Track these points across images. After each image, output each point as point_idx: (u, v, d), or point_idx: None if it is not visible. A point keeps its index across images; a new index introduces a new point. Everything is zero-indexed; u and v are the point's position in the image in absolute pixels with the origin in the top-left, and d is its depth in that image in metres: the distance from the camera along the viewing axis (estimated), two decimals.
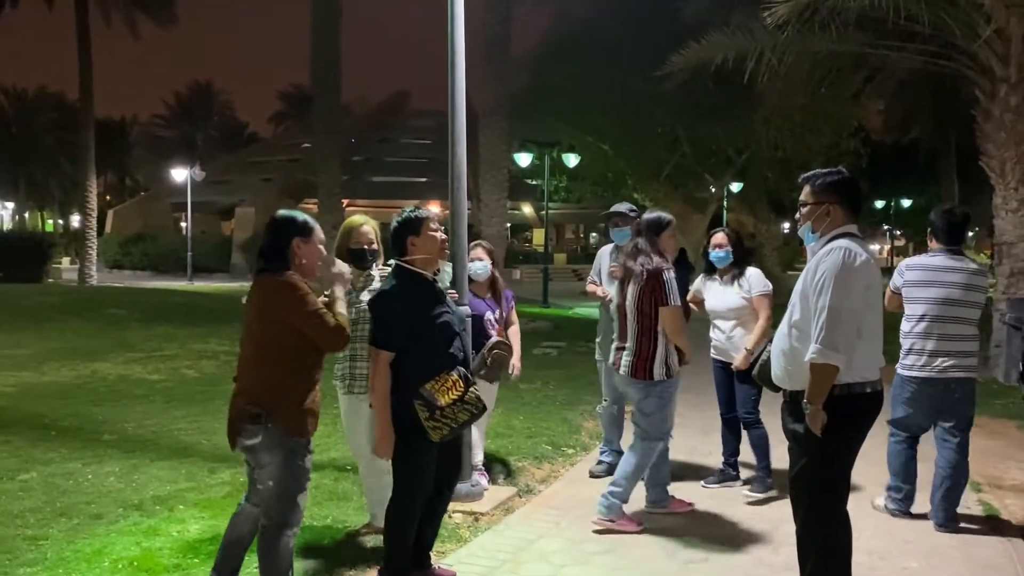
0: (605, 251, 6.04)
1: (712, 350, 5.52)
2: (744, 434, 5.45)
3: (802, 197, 3.44)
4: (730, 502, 5.17)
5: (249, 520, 3.43)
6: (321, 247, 3.40)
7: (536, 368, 10.58)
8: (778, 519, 4.76)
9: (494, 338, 5.01)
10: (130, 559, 4.00)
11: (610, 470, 5.48)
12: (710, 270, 5.47)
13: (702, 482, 5.55)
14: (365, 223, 4.38)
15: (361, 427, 4.24)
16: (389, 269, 3.82)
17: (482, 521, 4.83)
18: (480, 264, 5.26)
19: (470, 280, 5.18)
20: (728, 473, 5.58)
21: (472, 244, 5.32)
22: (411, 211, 3.74)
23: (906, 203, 42.68)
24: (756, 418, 5.32)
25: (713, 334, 5.48)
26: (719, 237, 5.43)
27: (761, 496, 5.19)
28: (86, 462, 5.83)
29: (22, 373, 9.55)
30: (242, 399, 3.26)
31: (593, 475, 5.81)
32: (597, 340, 6.03)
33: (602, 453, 6.01)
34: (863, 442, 3.37)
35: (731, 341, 5.34)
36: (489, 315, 5.24)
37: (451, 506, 4.96)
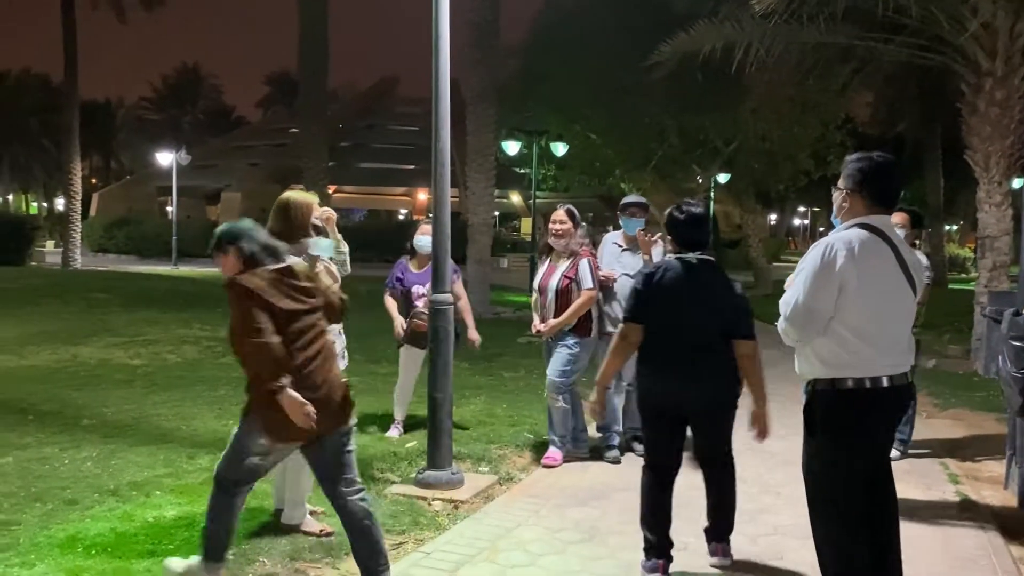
0: (607, 239, 6.12)
1: None
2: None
3: None
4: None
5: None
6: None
7: (520, 357, 10.57)
8: (755, 510, 4.78)
9: (417, 308, 6.03)
10: (104, 545, 3.97)
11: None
12: None
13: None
14: (315, 198, 4.31)
15: None
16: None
17: (461, 509, 4.82)
18: (426, 239, 5.70)
19: (415, 253, 6.14)
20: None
21: (423, 220, 6.14)
22: None
23: None
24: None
25: None
26: None
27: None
28: (63, 447, 5.78)
29: (1, 357, 9.46)
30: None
31: (608, 461, 5.80)
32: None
33: (610, 438, 5.94)
34: (871, 447, 3.21)
35: None
36: (417, 288, 6.10)
37: (430, 493, 4.98)
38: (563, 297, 5.66)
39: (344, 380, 3.55)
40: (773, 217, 39.78)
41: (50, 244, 36.53)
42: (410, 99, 52.46)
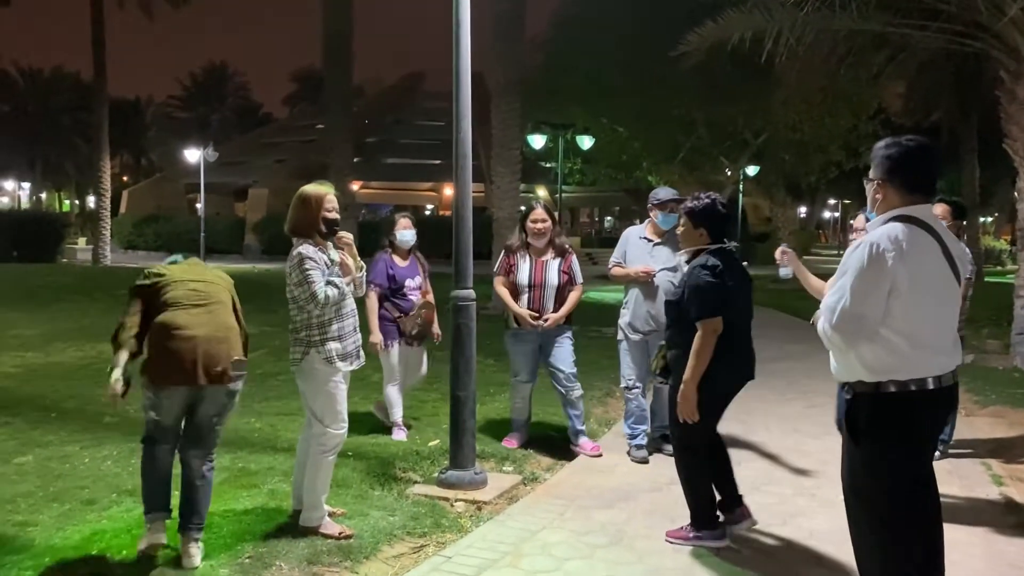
0: (631, 233, 5.96)
1: None
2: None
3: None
4: (764, 509, 4.90)
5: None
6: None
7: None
8: (787, 513, 4.61)
9: (412, 302, 5.98)
10: (119, 547, 3.89)
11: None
12: None
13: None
14: (331, 190, 4.21)
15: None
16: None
17: (484, 510, 4.70)
18: (409, 233, 6.01)
19: (396, 246, 6.06)
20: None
21: (399, 215, 6.21)
22: None
23: None
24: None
25: None
26: None
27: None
28: (84, 445, 5.73)
29: (28, 354, 9.49)
30: None
31: (636, 461, 5.68)
32: (622, 321, 5.84)
33: (637, 436, 5.81)
34: (916, 452, 2.99)
35: None
36: (409, 281, 6.03)
37: (453, 494, 4.86)
38: (562, 291, 5.79)
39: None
40: (803, 210, 39.12)
41: (81, 241, 36.93)
42: (436, 94, 52.25)
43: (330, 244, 4.23)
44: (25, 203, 64.29)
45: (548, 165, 27.56)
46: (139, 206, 45.29)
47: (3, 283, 17.45)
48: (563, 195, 21.92)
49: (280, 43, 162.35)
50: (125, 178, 65.93)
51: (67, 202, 70.00)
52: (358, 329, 4.28)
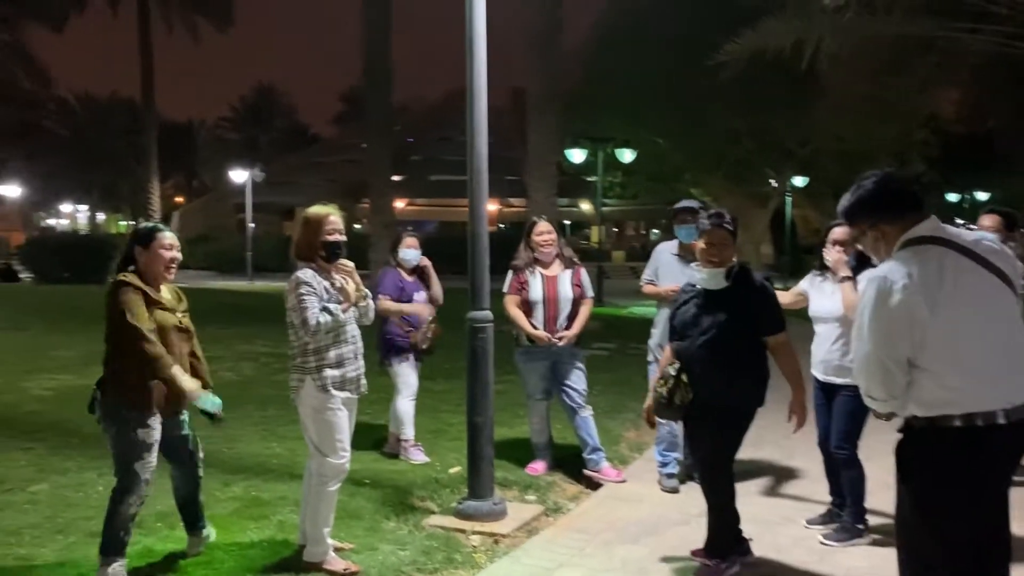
0: (662, 248, 5.71)
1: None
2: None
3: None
4: (799, 543, 4.48)
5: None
6: (163, 252, 3.85)
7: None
8: (824, 549, 4.30)
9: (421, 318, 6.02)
10: None
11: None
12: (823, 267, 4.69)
13: (804, 520, 4.75)
14: (334, 212, 4.05)
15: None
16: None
17: (501, 544, 4.47)
18: (413, 252, 6.05)
19: (400, 265, 6.07)
20: (835, 514, 4.67)
21: (405, 234, 6.22)
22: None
23: (982, 197, 40.81)
24: (850, 454, 4.45)
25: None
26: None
27: (836, 545, 4.36)
28: (102, 472, 5.60)
29: (62, 376, 9.53)
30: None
31: (666, 490, 5.40)
32: (652, 342, 5.62)
33: (668, 464, 5.52)
34: (981, 500, 2.59)
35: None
36: (417, 296, 6.05)
37: (469, 525, 4.64)
38: (575, 304, 5.68)
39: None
40: None
41: None
42: None
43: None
44: (83, 225, 65.95)
45: (591, 179, 27.33)
46: (189, 226, 46.19)
47: (50, 305, 17.79)
48: (607, 209, 21.64)
49: (328, 64, 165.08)
50: (179, 199, 67.31)
51: (122, 223, 71.66)
52: (360, 356, 4.10)
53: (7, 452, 6.13)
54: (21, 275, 29.04)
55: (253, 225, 35.68)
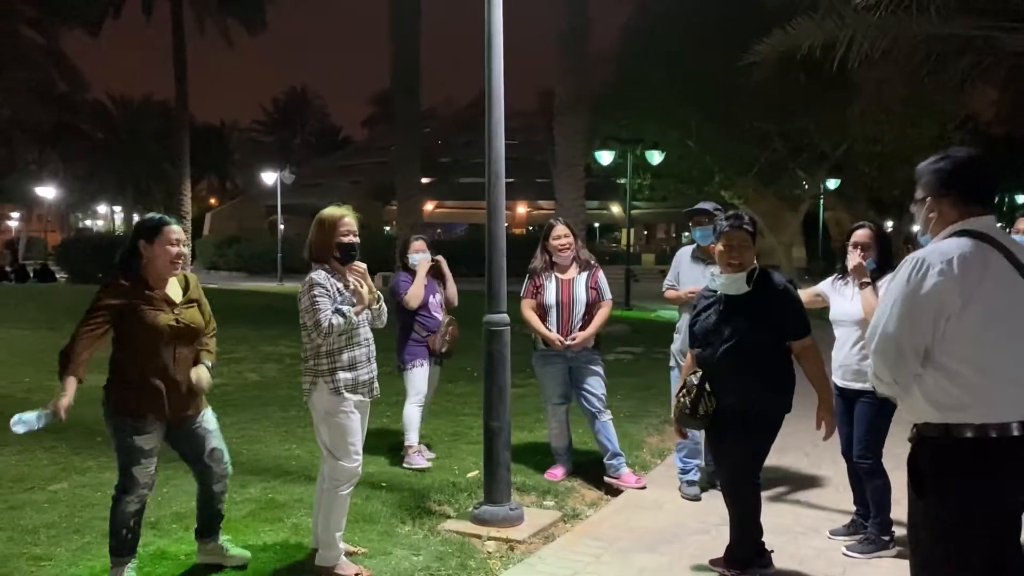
0: (684, 253, 5.64)
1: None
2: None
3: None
4: (822, 555, 4.38)
5: None
6: (170, 247, 3.72)
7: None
8: (847, 562, 4.17)
9: (437, 319, 5.97)
10: None
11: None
12: (845, 271, 4.61)
13: (828, 531, 4.65)
14: (348, 214, 4.00)
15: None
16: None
17: (517, 550, 4.40)
18: (421, 255, 5.97)
19: (410, 268, 6.00)
20: (860, 524, 4.56)
21: (414, 238, 6.16)
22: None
23: (1021, 199, 39.99)
24: (874, 464, 4.33)
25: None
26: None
27: (860, 557, 4.25)
28: None
29: (90, 375, 9.52)
30: None
31: (688, 498, 5.31)
32: (673, 347, 5.56)
33: (689, 472, 5.43)
34: (996, 515, 2.48)
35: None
36: (432, 299, 5.99)
37: (485, 531, 4.58)
38: (591, 308, 5.55)
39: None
40: (889, 224, 37.57)
41: None
42: (507, 113, 52.43)
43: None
44: (118, 226, 66.90)
45: (620, 181, 27.19)
46: (222, 227, 46.67)
47: (82, 304, 17.89)
48: (637, 212, 21.47)
49: (359, 67, 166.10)
50: (213, 201, 68.07)
51: None
52: (373, 359, 4.06)
53: (31, 450, 6.17)
54: (58, 275, 29.53)
55: (283, 227, 35.96)
